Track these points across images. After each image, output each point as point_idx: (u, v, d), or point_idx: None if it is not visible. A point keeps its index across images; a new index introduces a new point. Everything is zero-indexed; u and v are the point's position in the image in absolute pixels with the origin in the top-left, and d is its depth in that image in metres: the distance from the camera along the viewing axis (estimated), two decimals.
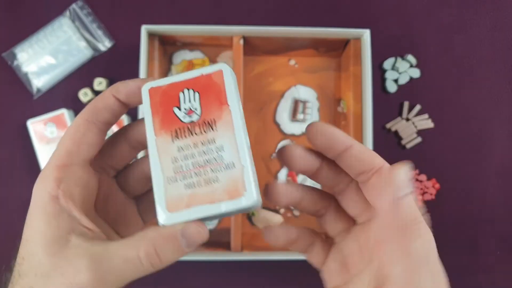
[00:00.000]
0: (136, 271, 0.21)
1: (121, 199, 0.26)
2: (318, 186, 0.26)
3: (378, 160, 0.21)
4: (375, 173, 0.21)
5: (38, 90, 0.56)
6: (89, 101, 0.56)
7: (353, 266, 0.23)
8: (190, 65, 0.57)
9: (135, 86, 0.23)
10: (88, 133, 0.22)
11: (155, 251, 0.20)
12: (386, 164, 0.21)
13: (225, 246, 0.52)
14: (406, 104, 0.58)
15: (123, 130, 0.25)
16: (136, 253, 0.20)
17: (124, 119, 0.54)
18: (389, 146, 0.58)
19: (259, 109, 0.57)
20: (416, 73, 0.58)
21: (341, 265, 0.24)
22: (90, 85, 0.56)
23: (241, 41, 0.52)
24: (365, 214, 0.24)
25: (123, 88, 0.23)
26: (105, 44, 0.57)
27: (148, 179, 0.24)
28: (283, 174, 0.56)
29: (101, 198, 0.25)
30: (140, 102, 0.23)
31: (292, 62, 0.58)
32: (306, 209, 0.25)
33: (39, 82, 0.56)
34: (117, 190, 0.26)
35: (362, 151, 0.21)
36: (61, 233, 0.21)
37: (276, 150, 0.23)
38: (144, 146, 0.24)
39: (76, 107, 0.56)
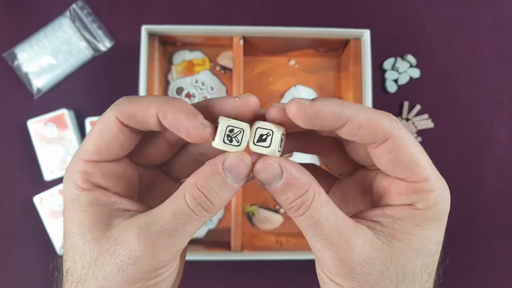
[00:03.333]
0: (189, 223, 0.19)
1: (168, 185, 0.24)
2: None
3: (381, 134, 0.19)
4: (380, 145, 0.19)
5: (39, 90, 0.56)
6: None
7: (353, 205, 0.23)
8: (190, 65, 0.57)
9: (184, 129, 0.19)
10: (120, 135, 0.20)
11: (202, 192, 0.19)
12: (394, 136, 0.19)
13: (225, 246, 0.52)
14: (406, 104, 0.58)
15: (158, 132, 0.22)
16: (183, 202, 0.19)
17: None
18: None
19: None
20: (416, 73, 0.58)
21: (340, 201, 0.24)
22: (92, 86, 0.57)
23: (241, 41, 0.52)
24: (371, 162, 0.22)
25: (172, 119, 0.19)
26: (105, 44, 0.57)
27: (195, 162, 0.23)
28: None
29: (144, 186, 0.23)
30: (178, 131, 0.20)
31: (292, 62, 0.58)
32: (309, 148, 0.24)
33: (40, 82, 0.56)
34: (162, 176, 0.24)
35: (361, 125, 0.19)
36: (99, 219, 0.19)
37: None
38: (183, 142, 0.23)
39: (77, 107, 0.56)
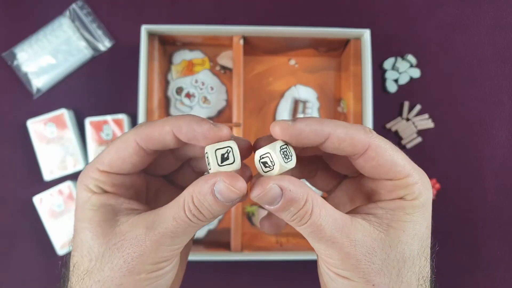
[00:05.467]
0: (188, 228, 0.21)
1: (172, 193, 0.26)
2: None
3: (360, 145, 0.21)
4: (361, 156, 0.22)
5: (38, 90, 0.56)
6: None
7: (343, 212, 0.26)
8: (190, 65, 0.56)
9: (200, 133, 0.21)
10: (135, 156, 0.22)
11: (196, 207, 0.20)
12: (372, 145, 0.21)
13: (225, 246, 0.52)
14: (406, 104, 0.58)
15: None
16: (182, 211, 0.20)
17: (124, 119, 0.54)
18: None
19: (259, 109, 0.57)
20: (416, 73, 0.58)
21: None
22: (91, 86, 0.56)
23: (241, 41, 0.52)
24: (353, 173, 0.25)
25: (187, 131, 0.21)
26: (105, 44, 0.57)
27: (198, 174, 0.26)
28: None
29: (151, 193, 0.26)
30: (200, 145, 0.21)
31: (292, 62, 0.58)
32: (296, 176, 0.26)
33: (39, 82, 0.56)
34: (167, 185, 0.27)
35: (340, 139, 0.21)
36: (109, 217, 0.21)
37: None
38: (188, 157, 0.25)
39: (76, 107, 0.56)
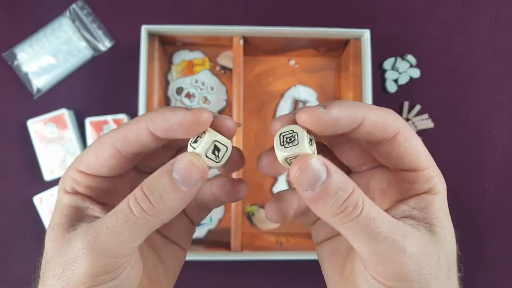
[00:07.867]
0: (127, 223, 0.18)
1: None
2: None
3: (391, 130, 0.19)
4: (389, 141, 0.19)
5: (38, 90, 0.56)
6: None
7: None
8: (190, 65, 0.57)
9: (175, 123, 0.18)
10: (112, 159, 0.20)
11: (143, 192, 0.18)
12: (401, 130, 0.19)
13: (225, 246, 0.52)
14: (406, 104, 0.58)
15: None
16: (126, 201, 0.18)
17: (124, 119, 0.54)
18: None
19: (259, 109, 0.57)
20: (416, 73, 0.58)
21: None
22: (91, 86, 0.57)
23: (241, 41, 0.52)
24: (364, 166, 0.23)
25: (161, 122, 0.18)
26: (105, 44, 0.57)
27: None
28: (282, 175, 0.56)
29: None
30: (180, 137, 0.19)
31: (292, 62, 0.58)
32: None
33: (39, 82, 0.56)
34: None
35: (373, 123, 0.18)
36: (67, 220, 0.20)
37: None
38: (179, 146, 0.23)
39: (76, 107, 0.56)
